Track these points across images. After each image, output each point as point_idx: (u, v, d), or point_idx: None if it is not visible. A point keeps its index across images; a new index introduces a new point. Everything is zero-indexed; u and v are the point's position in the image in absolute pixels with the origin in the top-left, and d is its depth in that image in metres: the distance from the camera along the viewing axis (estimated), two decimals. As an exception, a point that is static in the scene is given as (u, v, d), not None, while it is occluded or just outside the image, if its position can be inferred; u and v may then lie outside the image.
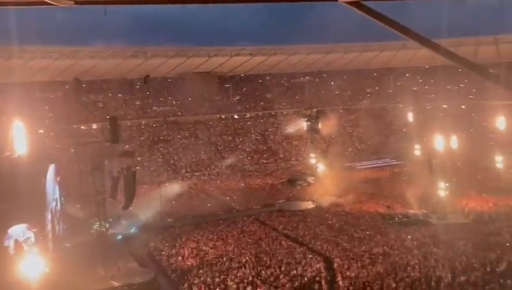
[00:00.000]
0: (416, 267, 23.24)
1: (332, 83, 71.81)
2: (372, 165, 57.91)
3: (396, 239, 29.42)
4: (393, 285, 20.78)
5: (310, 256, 26.69)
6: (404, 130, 59.07)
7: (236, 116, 68.65)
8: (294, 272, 24.12)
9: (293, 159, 60.99)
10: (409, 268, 23.20)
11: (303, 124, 54.38)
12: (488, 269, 22.37)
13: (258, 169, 58.94)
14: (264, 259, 26.51)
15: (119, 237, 32.96)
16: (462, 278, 21.15)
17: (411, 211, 36.44)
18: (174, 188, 45.59)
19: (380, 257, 25.58)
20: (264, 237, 31.43)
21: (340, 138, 62.37)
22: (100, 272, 26.18)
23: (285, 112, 68.04)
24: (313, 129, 52.58)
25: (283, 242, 30.08)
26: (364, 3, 3.92)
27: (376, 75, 73.52)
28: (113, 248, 30.01)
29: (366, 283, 21.44)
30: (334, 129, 57.56)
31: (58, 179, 27.97)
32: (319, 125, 51.91)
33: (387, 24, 4.08)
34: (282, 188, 49.71)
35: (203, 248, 29.44)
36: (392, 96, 70.49)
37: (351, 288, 21.47)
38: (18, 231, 22.41)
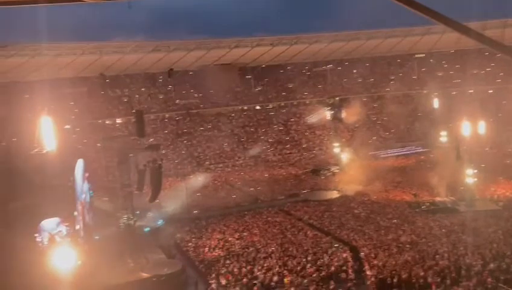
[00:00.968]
0: (445, 255, 22.90)
1: (354, 71, 70.91)
2: (397, 153, 57.22)
3: (423, 227, 29.08)
4: (422, 273, 20.54)
5: (336, 245, 26.63)
6: (430, 116, 58.12)
7: (258, 107, 68.56)
8: (321, 261, 24.12)
9: (316, 148, 60.72)
10: (437, 256, 22.89)
11: (326, 113, 54.01)
12: (520, 255, 21.93)
13: (281, 159, 58.91)
14: (290, 249, 26.56)
15: (147, 229, 33.44)
16: (493, 266, 20.79)
17: (438, 199, 35.95)
18: (198, 180, 45.94)
19: (408, 246, 25.35)
20: (289, 227, 31.49)
21: (364, 126, 61.78)
22: (129, 263, 26.64)
23: (307, 102, 67.70)
24: (336, 118, 52.20)
25: (308, 232, 30.06)
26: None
27: (400, 61, 72.40)
28: (141, 240, 30.49)
29: (394, 272, 21.26)
30: (358, 117, 57.00)
31: (87, 175, 28.47)
32: (343, 114, 51.53)
33: (414, 8, 3.99)
34: (306, 178, 49.61)
35: (229, 238, 29.68)
36: (416, 83, 69.35)
37: (379, 277, 21.34)
38: (50, 224, 22.95)
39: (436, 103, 58.79)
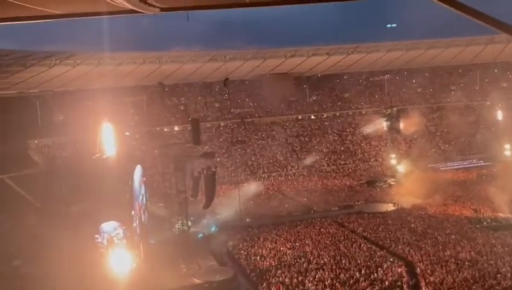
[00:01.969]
0: (508, 275, 21.78)
1: (413, 81, 69.08)
2: (457, 166, 55.19)
3: (484, 244, 27.76)
4: (482, 293, 19.64)
5: (391, 260, 25.92)
6: (493, 129, 55.57)
7: (313, 117, 68.08)
8: (375, 275, 23.55)
9: (372, 159, 59.52)
10: (499, 276, 21.81)
11: (383, 124, 52.98)
12: None
13: (335, 170, 58.18)
14: (343, 261, 26.13)
15: (200, 235, 34.00)
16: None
17: (501, 215, 34.27)
18: (251, 188, 46.18)
19: (467, 263, 24.33)
20: (342, 239, 30.97)
21: (423, 137, 59.87)
22: (182, 269, 27.20)
23: (363, 112, 66.53)
24: (393, 129, 51.12)
25: (362, 245, 29.43)
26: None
27: (461, 71, 69.81)
28: (194, 246, 31.03)
29: (452, 290, 20.44)
30: (416, 128, 55.36)
31: (144, 179, 29.41)
32: (400, 124, 50.36)
33: (476, 17, 3.86)
34: (361, 189, 48.74)
35: (281, 248, 29.57)
36: (478, 93, 66.53)
37: (436, 294, 20.57)
38: (110, 227, 23.89)
39: (499, 115, 56.14)
